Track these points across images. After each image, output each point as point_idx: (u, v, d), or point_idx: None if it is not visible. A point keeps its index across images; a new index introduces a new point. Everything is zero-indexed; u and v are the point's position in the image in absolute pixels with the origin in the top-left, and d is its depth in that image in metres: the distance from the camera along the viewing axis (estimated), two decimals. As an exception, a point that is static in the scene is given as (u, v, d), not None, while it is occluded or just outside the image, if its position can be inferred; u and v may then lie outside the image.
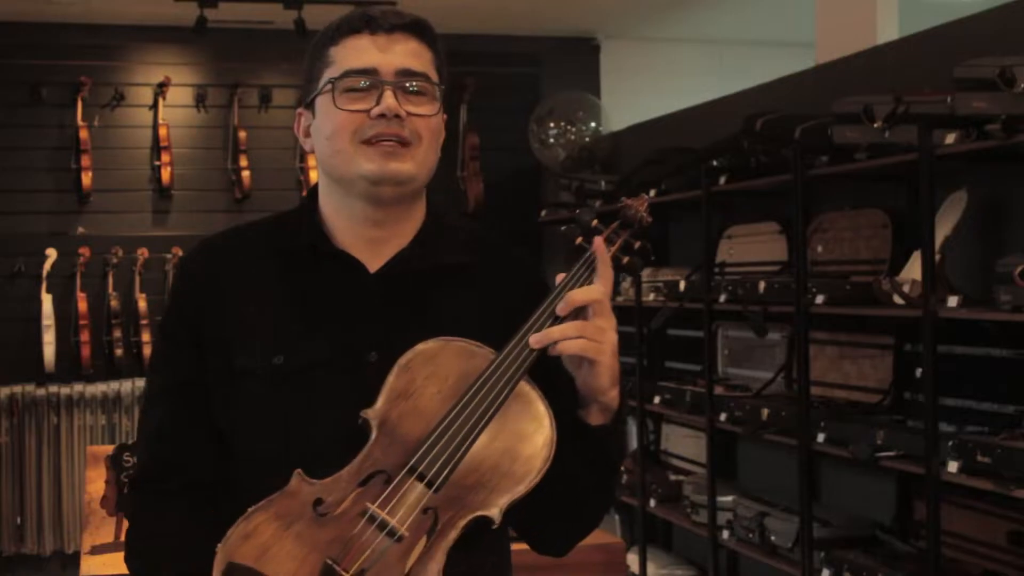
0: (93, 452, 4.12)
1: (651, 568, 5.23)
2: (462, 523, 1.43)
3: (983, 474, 3.09)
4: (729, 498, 4.46)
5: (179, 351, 1.61)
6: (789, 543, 3.97)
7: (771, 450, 4.53)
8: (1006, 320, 3.06)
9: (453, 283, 1.62)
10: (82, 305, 6.60)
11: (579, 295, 1.50)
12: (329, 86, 1.56)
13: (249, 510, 1.42)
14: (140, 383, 6.63)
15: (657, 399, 5.05)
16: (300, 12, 6.11)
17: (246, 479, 1.55)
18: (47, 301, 6.53)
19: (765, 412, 4.13)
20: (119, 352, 6.64)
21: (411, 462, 1.44)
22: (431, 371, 1.49)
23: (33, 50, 6.68)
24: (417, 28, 1.60)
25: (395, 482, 1.43)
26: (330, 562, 1.40)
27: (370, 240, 1.60)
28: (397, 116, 1.54)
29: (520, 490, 1.45)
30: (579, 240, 1.58)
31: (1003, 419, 3.41)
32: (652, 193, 5.07)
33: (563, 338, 1.48)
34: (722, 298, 4.36)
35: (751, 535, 4.21)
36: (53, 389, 6.55)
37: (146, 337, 6.64)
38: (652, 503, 5.07)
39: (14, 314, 6.58)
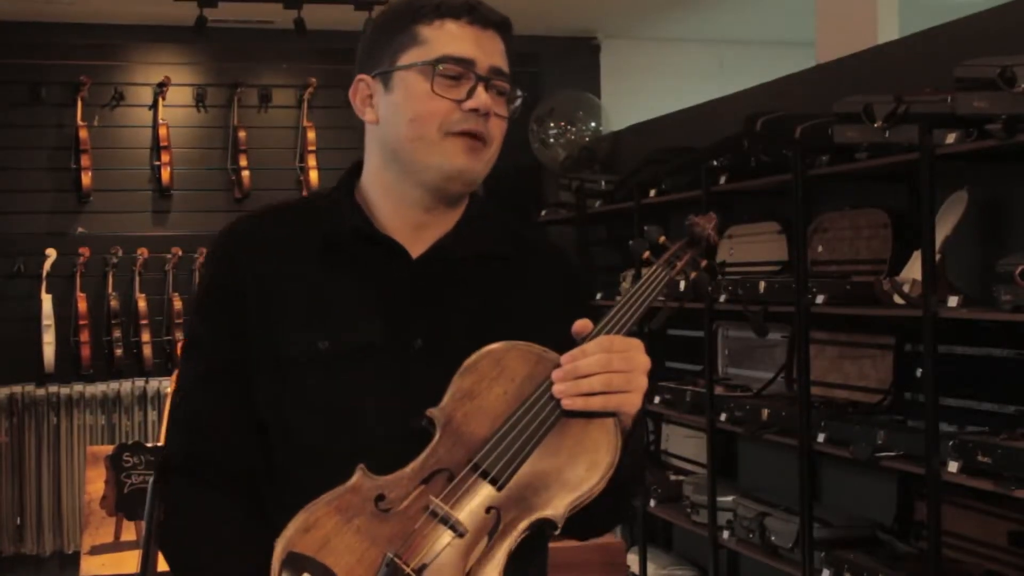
0: (93, 452, 4.12)
1: (651, 568, 5.23)
2: (524, 524, 1.42)
3: (983, 474, 3.09)
4: (729, 498, 4.45)
5: (218, 335, 1.56)
6: (789, 543, 3.96)
7: (771, 450, 4.53)
8: (1006, 320, 3.06)
9: (492, 272, 1.61)
10: (82, 305, 6.60)
11: (588, 365, 1.45)
12: (428, 68, 1.52)
13: (309, 504, 1.41)
14: (140, 383, 6.65)
15: (657, 399, 5.05)
16: (300, 12, 6.11)
17: (291, 468, 1.53)
18: (47, 301, 6.53)
19: (765, 412, 4.13)
20: (119, 352, 6.64)
21: (475, 459, 1.43)
22: (498, 372, 1.48)
23: (33, 50, 6.69)
24: (507, 29, 1.58)
25: (458, 479, 1.42)
26: (391, 556, 1.39)
27: (415, 225, 1.59)
28: (487, 114, 1.53)
29: (583, 492, 1.44)
30: (646, 255, 1.59)
31: (1003, 419, 3.41)
32: (652, 193, 5.07)
33: (590, 392, 1.45)
34: (722, 298, 4.35)
35: (751, 535, 4.20)
36: (53, 389, 6.55)
37: (146, 337, 6.65)
38: (652, 503, 5.07)
39: (14, 314, 6.59)
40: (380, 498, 1.42)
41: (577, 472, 1.45)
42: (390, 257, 1.57)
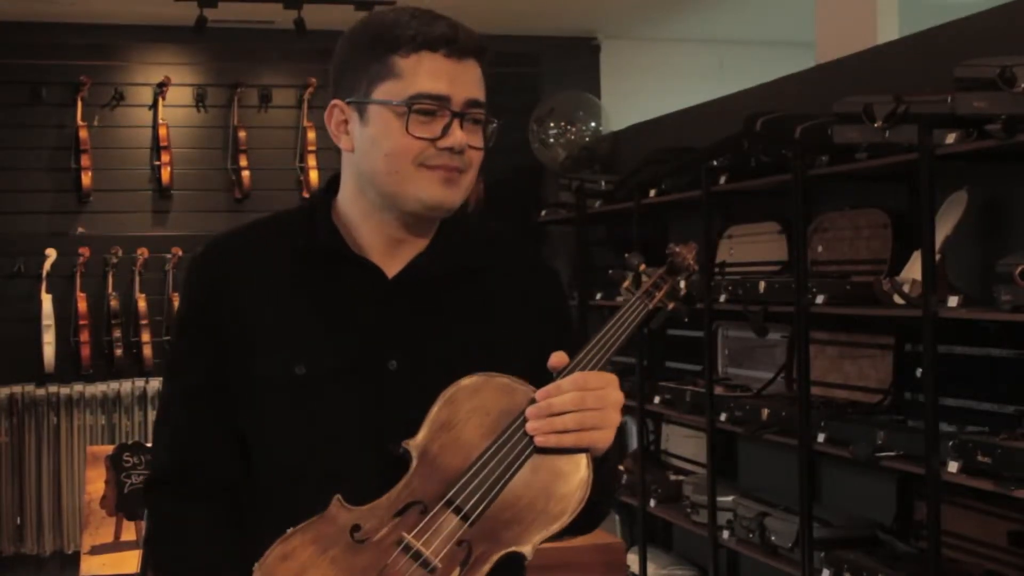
0: (93, 452, 4.13)
1: (651, 568, 5.23)
2: (495, 558, 1.44)
3: (983, 474, 3.09)
4: (729, 498, 4.45)
5: (198, 351, 1.58)
6: (789, 543, 3.97)
7: (771, 450, 4.53)
8: (1006, 320, 3.06)
9: (470, 286, 1.60)
10: (82, 305, 6.60)
11: (559, 403, 1.46)
12: (403, 108, 1.51)
13: (288, 532, 1.42)
14: (140, 383, 6.65)
15: (657, 399, 5.05)
16: (300, 12, 6.11)
17: (269, 487, 1.54)
18: (47, 301, 6.53)
19: (765, 412, 4.13)
20: (119, 352, 6.64)
21: (448, 494, 1.44)
22: (474, 405, 1.49)
23: (33, 50, 6.69)
24: (483, 54, 1.57)
25: (431, 513, 1.44)
26: None
27: (391, 245, 1.58)
28: (462, 150, 1.52)
29: (554, 528, 1.46)
30: (626, 284, 1.61)
31: (1003, 419, 3.41)
32: (652, 193, 5.07)
33: (563, 430, 1.46)
34: (722, 298, 4.35)
35: (751, 535, 4.20)
36: (53, 389, 6.55)
37: (146, 337, 6.65)
38: (652, 503, 5.07)
39: (14, 314, 6.58)
40: (356, 528, 1.43)
41: (548, 507, 1.46)
42: (365, 277, 1.57)
